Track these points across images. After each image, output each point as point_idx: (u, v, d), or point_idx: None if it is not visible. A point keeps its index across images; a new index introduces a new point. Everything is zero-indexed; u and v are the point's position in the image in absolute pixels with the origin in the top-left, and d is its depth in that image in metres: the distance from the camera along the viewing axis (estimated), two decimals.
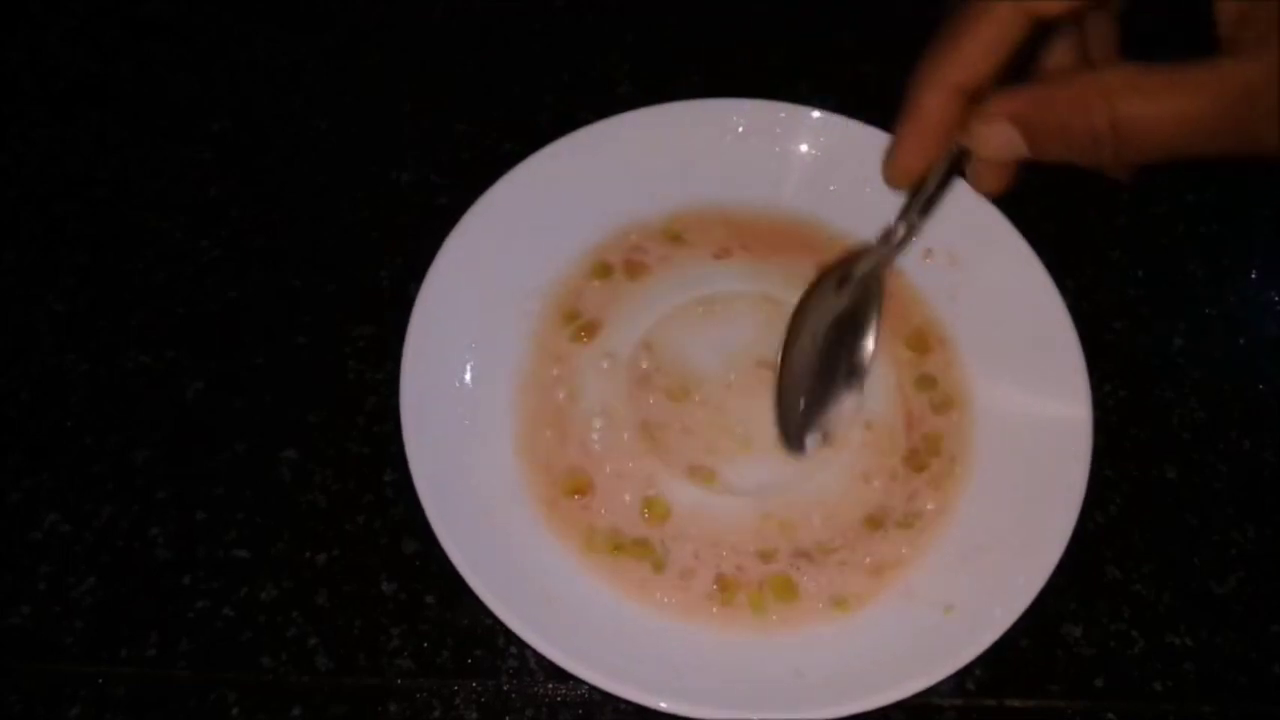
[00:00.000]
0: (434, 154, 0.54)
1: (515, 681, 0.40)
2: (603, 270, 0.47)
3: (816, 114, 0.49)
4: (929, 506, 0.42)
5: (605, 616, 0.39)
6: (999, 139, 0.34)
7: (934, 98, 0.36)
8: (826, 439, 0.43)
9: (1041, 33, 0.35)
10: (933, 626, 0.39)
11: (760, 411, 0.44)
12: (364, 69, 0.57)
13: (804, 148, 0.49)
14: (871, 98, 0.41)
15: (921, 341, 0.46)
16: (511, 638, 0.38)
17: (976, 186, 0.39)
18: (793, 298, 0.46)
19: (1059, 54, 0.37)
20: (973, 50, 0.34)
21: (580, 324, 0.46)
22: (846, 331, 0.43)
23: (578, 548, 0.41)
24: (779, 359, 0.42)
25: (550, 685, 0.40)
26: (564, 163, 0.47)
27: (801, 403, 0.42)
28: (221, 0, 0.60)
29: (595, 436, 0.44)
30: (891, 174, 0.39)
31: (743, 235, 0.49)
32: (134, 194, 0.53)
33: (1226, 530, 0.44)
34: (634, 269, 0.48)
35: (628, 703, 0.37)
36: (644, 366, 0.45)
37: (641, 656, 0.38)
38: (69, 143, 0.54)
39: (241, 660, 0.41)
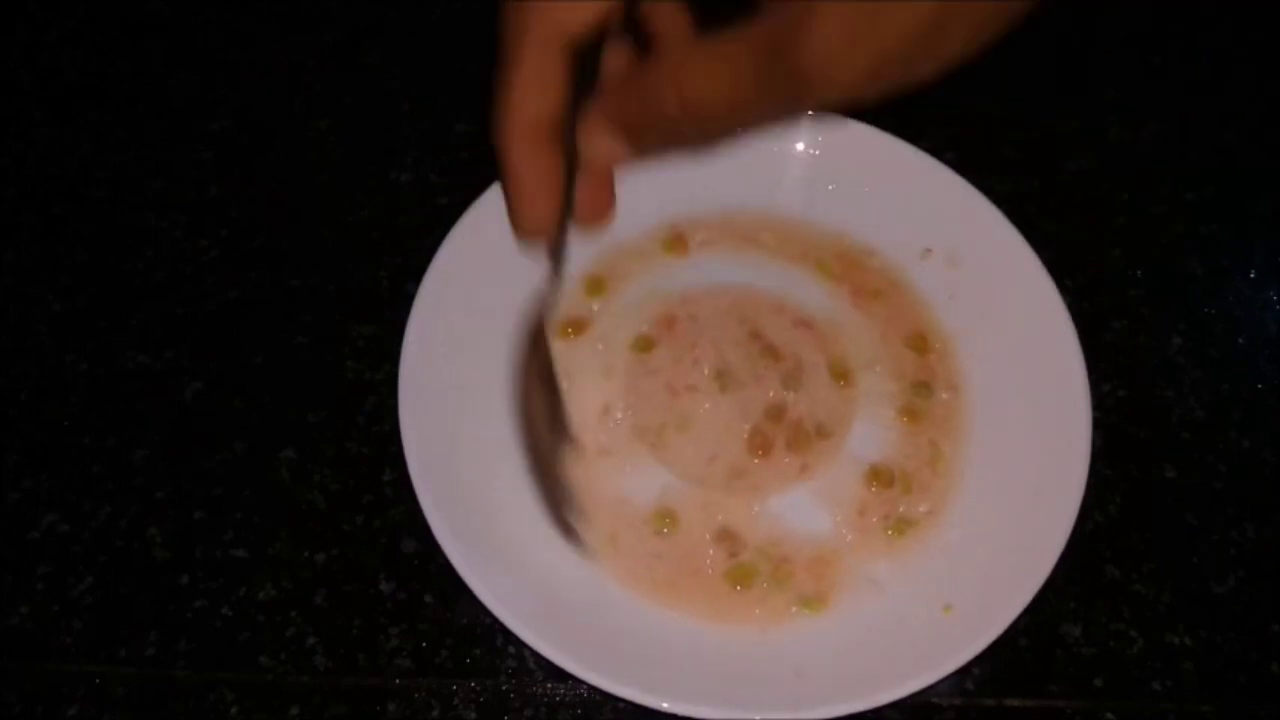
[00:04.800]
0: (434, 154, 0.54)
1: (514, 681, 0.40)
2: (599, 271, 0.47)
3: (814, 114, 0.49)
4: (923, 508, 0.42)
5: (605, 616, 0.39)
6: (603, 147, 0.33)
7: (520, 148, 0.34)
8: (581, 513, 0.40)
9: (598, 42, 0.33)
10: (932, 626, 0.39)
11: (754, 410, 0.44)
12: (364, 69, 0.57)
13: (802, 147, 0.49)
14: None
15: (920, 341, 0.46)
16: (510, 637, 0.38)
17: (582, 221, 0.36)
18: (790, 296, 0.46)
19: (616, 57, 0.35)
20: (527, 90, 0.33)
21: (575, 321, 0.46)
22: (548, 393, 0.39)
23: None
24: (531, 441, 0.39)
25: (549, 685, 0.40)
26: None
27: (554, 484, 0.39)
28: (221, 0, 0.60)
29: (591, 432, 0.44)
30: (525, 236, 0.36)
31: (740, 235, 0.49)
32: (134, 194, 0.53)
33: (1226, 530, 0.44)
34: (634, 267, 0.48)
35: (627, 702, 0.37)
36: (639, 364, 0.45)
37: (641, 656, 0.38)
38: (69, 143, 0.54)
39: (240, 660, 0.40)
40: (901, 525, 0.42)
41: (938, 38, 0.26)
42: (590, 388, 0.45)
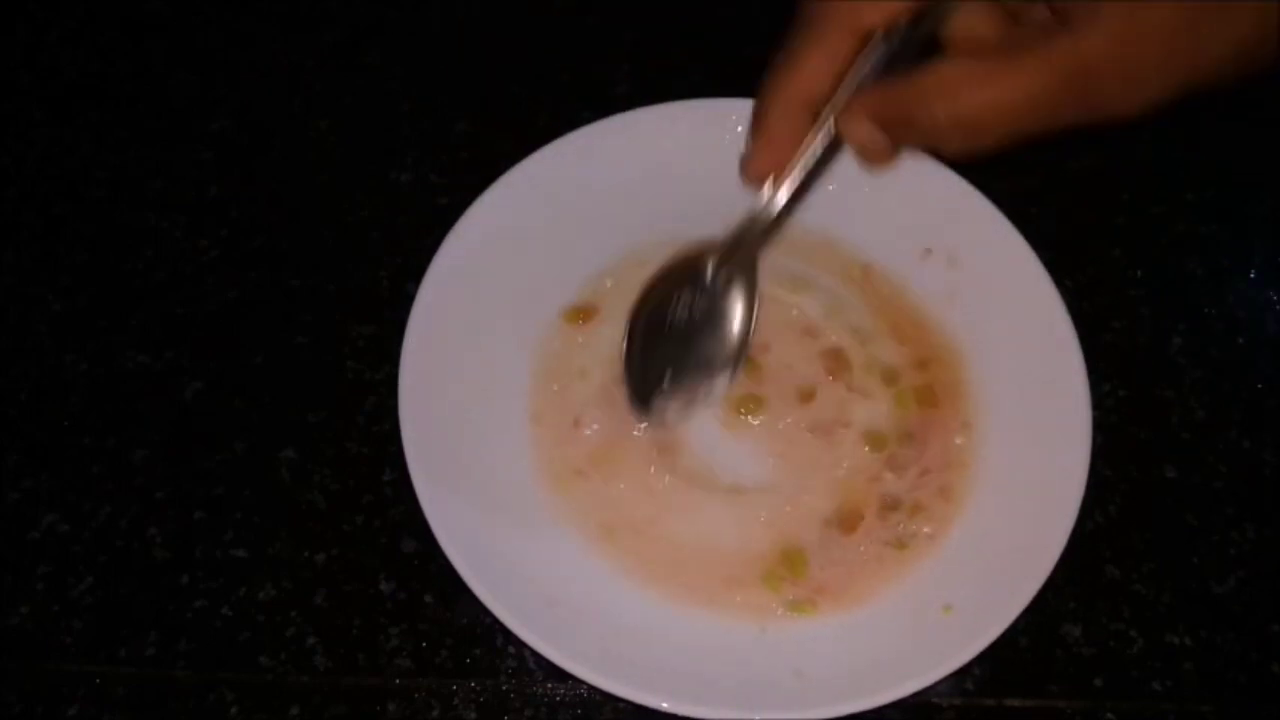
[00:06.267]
0: (434, 154, 0.54)
1: (514, 681, 0.40)
2: (599, 270, 0.47)
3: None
4: (927, 520, 0.42)
5: (605, 616, 0.39)
6: (860, 133, 0.37)
7: (779, 115, 0.38)
8: (686, 410, 0.44)
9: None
10: (932, 626, 0.39)
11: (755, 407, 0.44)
12: (364, 69, 0.57)
13: None
14: None
15: (920, 341, 0.46)
16: (510, 637, 0.38)
17: (863, 164, 0.40)
18: (789, 294, 0.46)
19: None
20: (809, 69, 0.37)
21: (578, 315, 0.46)
22: (715, 314, 0.43)
23: (577, 542, 0.41)
24: (632, 326, 0.43)
25: (549, 685, 0.40)
26: (563, 163, 0.47)
27: (665, 377, 0.43)
28: (221, 0, 0.60)
29: (592, 430, 0.44)
30: (747, 177, 0.41)
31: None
32: (134, 194, 0.53)
33: (1226, 530, 0.44)
34: (631, 268, 0.48)
35: (627, 702, 0.37)
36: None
37: (641, 656, 0.38)
38: (69, 143, 0.54)
39: (240, 660, 0.41)
40: (904, 539, 0.42)
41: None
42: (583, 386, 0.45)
